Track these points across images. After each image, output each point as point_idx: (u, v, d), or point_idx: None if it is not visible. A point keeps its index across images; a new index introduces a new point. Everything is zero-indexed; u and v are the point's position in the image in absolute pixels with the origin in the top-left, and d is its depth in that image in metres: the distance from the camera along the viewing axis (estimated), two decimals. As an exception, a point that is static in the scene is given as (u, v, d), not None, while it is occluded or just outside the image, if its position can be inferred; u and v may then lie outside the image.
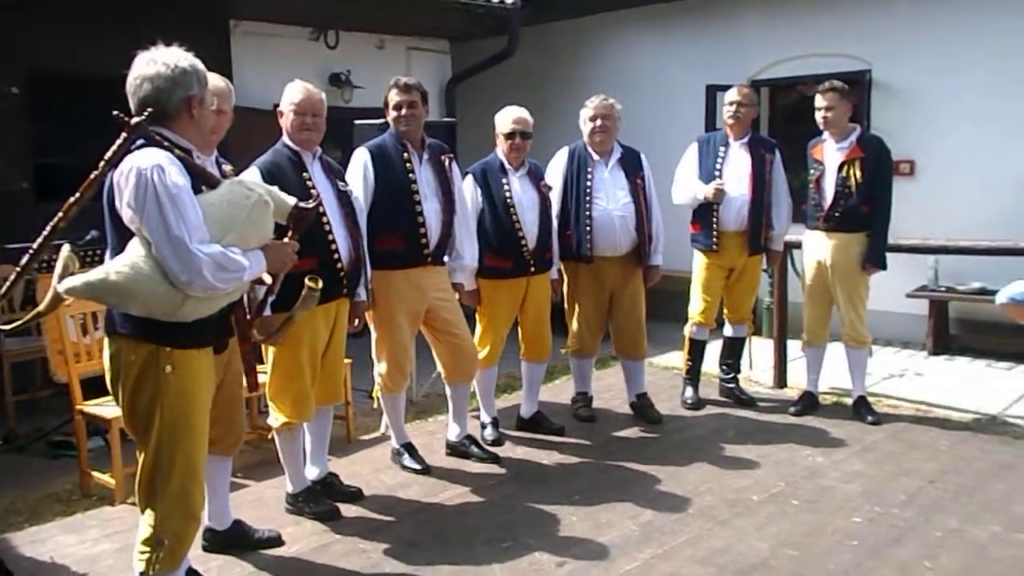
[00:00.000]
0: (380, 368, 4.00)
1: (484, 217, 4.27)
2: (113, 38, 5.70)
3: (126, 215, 2.32)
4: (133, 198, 2.27)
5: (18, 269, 2.45)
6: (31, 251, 2.39)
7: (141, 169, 2.27)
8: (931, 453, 4.24)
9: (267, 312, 3.02)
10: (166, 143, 2.40)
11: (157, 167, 2.27)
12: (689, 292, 5.01)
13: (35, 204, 5.75)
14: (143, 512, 2.53)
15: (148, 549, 2.48)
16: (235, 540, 3.27)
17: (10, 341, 5.03)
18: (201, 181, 2.43)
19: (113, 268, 2.28)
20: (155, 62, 2.44)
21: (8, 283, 2.51)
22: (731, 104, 4.79)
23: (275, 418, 3.54)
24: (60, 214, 2.33)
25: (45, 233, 2.34)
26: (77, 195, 2.32)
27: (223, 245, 2.34)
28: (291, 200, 2.68)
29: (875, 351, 6.25)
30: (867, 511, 3.57)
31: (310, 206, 2.71)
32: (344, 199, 3.55)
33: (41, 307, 2.48)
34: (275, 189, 2.71)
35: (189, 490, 2.50)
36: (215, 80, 2.84)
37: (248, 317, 2.83)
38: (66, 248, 2.42)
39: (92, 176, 2.33)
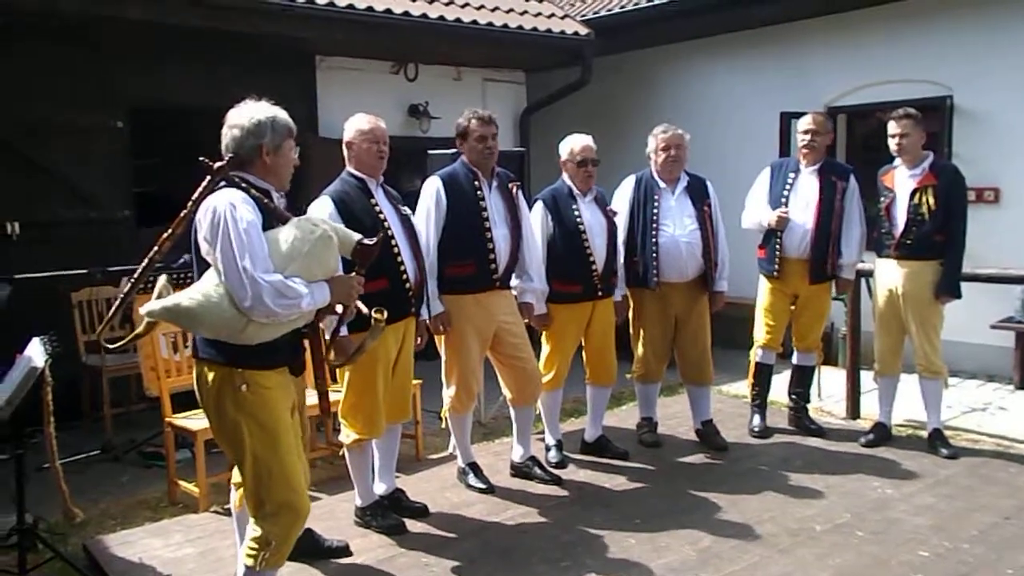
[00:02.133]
0: (449, 389, 4.13)
1: (555, 242, 4.37)
2: (206, 76, 6.17)
3: (203, 248, 2.59)
4: (209, 232, 2.54)
5: (121, 295, 2.76)
6: (132, 280, 2.69)
7: (216, 207, 2.54)
8: (1009, 489, 4.10)
9: (344, 333, 3.22)
10: (243, 184, 2.64)
11: (230, 205, 2.53)
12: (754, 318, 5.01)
13: (135, 230, 6.17)
14: (253, 517, 2.74)
15: (257, 547, 2.71)
16: (307, 548, 3.43)
17: (109, 358, 5.39)
18: (273, 219, 2.65)
19: (187, 295, 2.54)
20: (240, 114, 2.73)
21: (112, 310, 2.81)
22: (805, 132, 4.77)
23: (346, 435, 3.71)
24: (156, 247, 2.63)
25: (143, 265, 2.65)
26: (169, 231, 2.62)
27: (286, 275, 2.55)
28: (355, 236, 2.85)
29: (958, 384, 6.09)
30: (935, 545, 3.49)
31: (372, 243, 2.84)
32: (407, 223, 3.73)
33: (139, 329, 2.77)
34: (341, 226, 2.88)
35: (291, 496, 2.69)
36: None
37: (324, 342, 3.01)
38: (163, 278, 2.70)
39: (182, 214, 2.63)
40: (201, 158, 2.62)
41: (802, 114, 5.00)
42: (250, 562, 2.71)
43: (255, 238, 2.52)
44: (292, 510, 2.70)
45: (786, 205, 4.74)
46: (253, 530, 2.73)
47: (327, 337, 3.07)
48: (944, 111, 6.55)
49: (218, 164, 2.61)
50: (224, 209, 2.52)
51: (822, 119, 4.87)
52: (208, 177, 2.59)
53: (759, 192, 4.94)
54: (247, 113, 2.72)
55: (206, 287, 2.54)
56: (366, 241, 2.83)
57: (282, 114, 2.78)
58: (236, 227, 2.49)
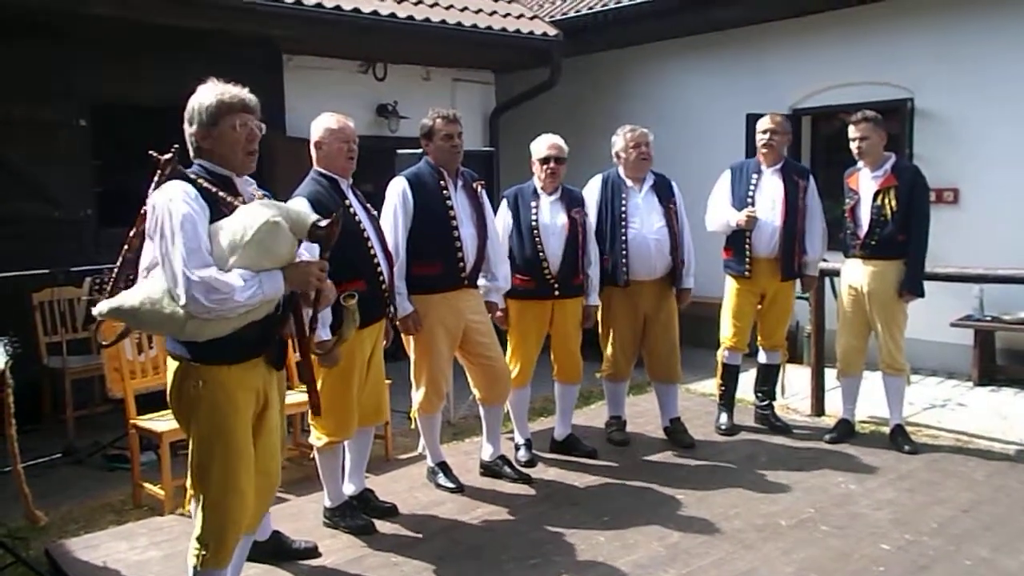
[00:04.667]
0: (419, 390, 4.11)
1: (512, 239, 4.43)
2: (171, 73, 6.06)
3: (152, 245, 2.53)
4: (152, 228, 2.49)
5: (107, 291, 2.70)
6: (113, 278, 2.66)
7: (155, 202, 2.50)
8: (967, 483, 4.20)
9: (320, 330, 3.18)
10: (193, 175, 2.56)
11: (167, 199, 2.47)
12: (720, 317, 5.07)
13: (98, 230, 6.07)
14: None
15: (197, 547, 2.66)
16: (274, 550, 3.42)
17: (72, 359, 5.31)
18: (222, 208, 2.55)
19: (130, 293, 2.51)
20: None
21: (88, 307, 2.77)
22: (765, 132, 4.86)
23: (317, 438, 3.67)
24: (125, 246, 2.61)
25: (120, 263, 2.65)
26: (134, 229, 2.60)
27: (230, 267, 2.44)
28: (311, 218, 2.69)
29: (919, 381, 6.21)
30: (896, 538, 3.56)
31: (326, 223, 2.65)
32: (376, 223, 3.72)
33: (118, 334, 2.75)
34: (293, 208, 2.74)
35: (227, 501, 2.62)
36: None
37: (305, 335, 2.84)
38: (87, 280, 2.65)
39: (142, 211, 2.58)
40: (151, 152, 2.57)
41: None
42: (193, 561, 2.66)
43: (190, 232, 2.42)
44: (226, 511, 2.61)
45: (752, 205, 4.81)
46: (195, 527, 2.67)
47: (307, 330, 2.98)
48: (905, 113, 6.68)
49: (165, 157, 2.55)
50: (162, 204, 2.46)
51: (780, 119, 4.96)
52: (158, 171, 2.55)
53: (721, 194, 5.00)
54: (192, 99, 2.64)
55: (151, 284, 2.49)
56: (321, 223, 2.65)
57: (214, 94, 2.60)
58: (171, 222, 2.42)
